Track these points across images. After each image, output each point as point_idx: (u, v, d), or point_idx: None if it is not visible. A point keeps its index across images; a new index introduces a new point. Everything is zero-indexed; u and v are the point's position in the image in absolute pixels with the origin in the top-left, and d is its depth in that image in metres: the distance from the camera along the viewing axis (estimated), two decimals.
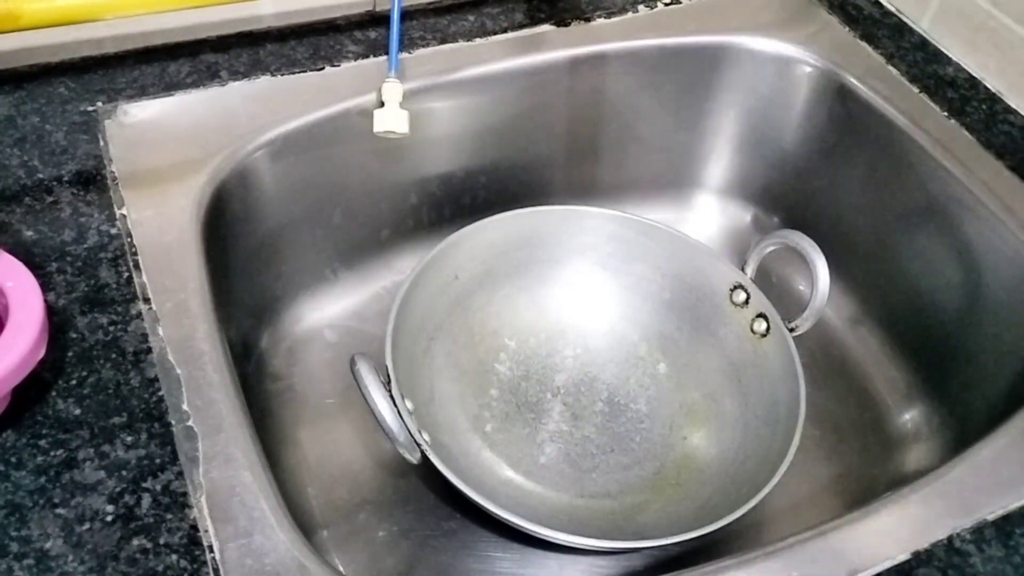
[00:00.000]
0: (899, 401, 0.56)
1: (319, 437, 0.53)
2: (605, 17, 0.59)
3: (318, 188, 0.54)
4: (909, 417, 0.55)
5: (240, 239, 0.50)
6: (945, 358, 0.54)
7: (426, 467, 0.42)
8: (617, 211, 0.55)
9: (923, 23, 0.61)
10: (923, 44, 0.60)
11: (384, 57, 0.54)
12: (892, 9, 0.63)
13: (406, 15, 0.57)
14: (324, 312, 0.58)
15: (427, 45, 0.56)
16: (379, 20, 0.57)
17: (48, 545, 0.33)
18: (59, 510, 0.34)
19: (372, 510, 0.50)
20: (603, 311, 0.57)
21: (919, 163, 0.54)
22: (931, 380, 0.55)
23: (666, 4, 0.61)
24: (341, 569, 0.47)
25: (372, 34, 0.56)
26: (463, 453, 0.49)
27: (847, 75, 0.57)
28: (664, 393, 0.54)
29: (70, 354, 0.39)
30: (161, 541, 0.33)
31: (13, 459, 0.35)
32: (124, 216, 0.44)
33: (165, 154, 0.47)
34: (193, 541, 0.33)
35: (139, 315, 0.40)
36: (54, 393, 0.37)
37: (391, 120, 0.49)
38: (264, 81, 0.52)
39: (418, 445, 0.42)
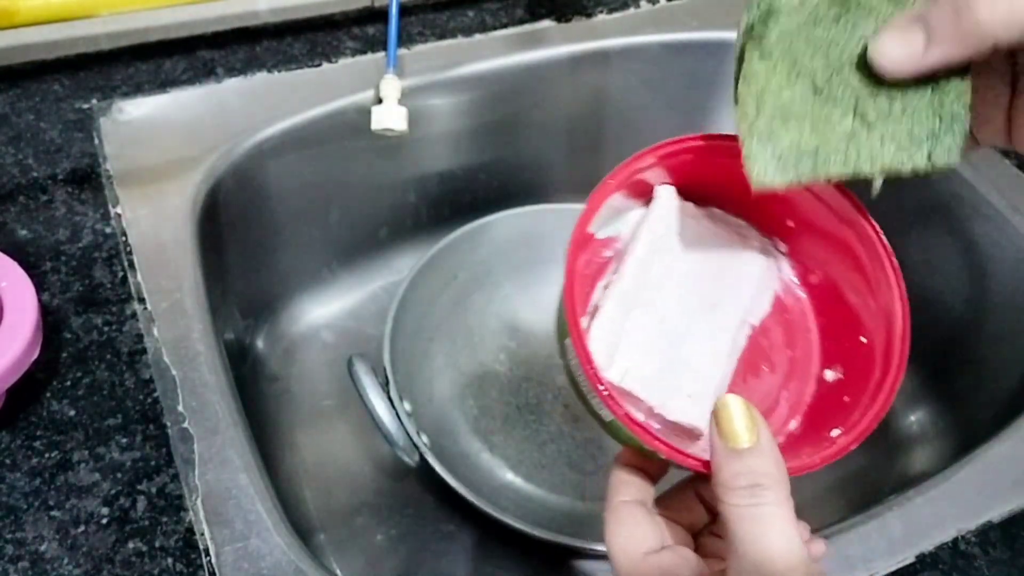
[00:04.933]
0: (904, 402, 0.56)
1: (316, 439, 0.52)
2: (606, 13, 0.59)
3: (315, 186, 0.53)
4: (915, 419, 0.55)
5: (236, 238, 0.50)
6: (951, 359, 0.53)
7: (425, 470, 0.42)
8: None
9: None
10: None
11: (382, 53, 0.53)
12: None
13: (405, 10, 0.57)
14: (321, 312, 0.58)
15: (426, 41, 0.55)
16: (377, 15, 0.57)
17: (43, 548, 0.33)
18: (54, 512, 0.34)
19: (370, 513, 0.49)
20: None
21: None
22: (937, 382, 0.55)
23: None
24: (338, 573, 0.47)
25: (370, 30, 0.56)
26: (462, 456, 0.49)
27: None
28: None
29: (64, 355, 0.38)
30: (157, 544, 0.33)
31: (7, 461, 0.35)
32: (119, 215, 0.44)
33: (160, 152, 0.47)
34: (189, 544, 0.33)
35: (134, 315, 0.40)
36: (48, 394, 0.37)
37: (389, 117, 0.49)
38: (260, 78, 0.52)
39: (416, 447, 0.42)
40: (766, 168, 0.23)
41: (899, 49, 0.21)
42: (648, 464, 0.26)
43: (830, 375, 0.28)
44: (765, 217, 0.29)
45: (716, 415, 0.22)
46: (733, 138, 0.25)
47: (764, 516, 0.21)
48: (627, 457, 0.26)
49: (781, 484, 0.22)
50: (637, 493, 0.25)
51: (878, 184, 0.23)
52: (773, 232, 0.29)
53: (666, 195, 0.28)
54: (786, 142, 0.23)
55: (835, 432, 0.25)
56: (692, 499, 0.27)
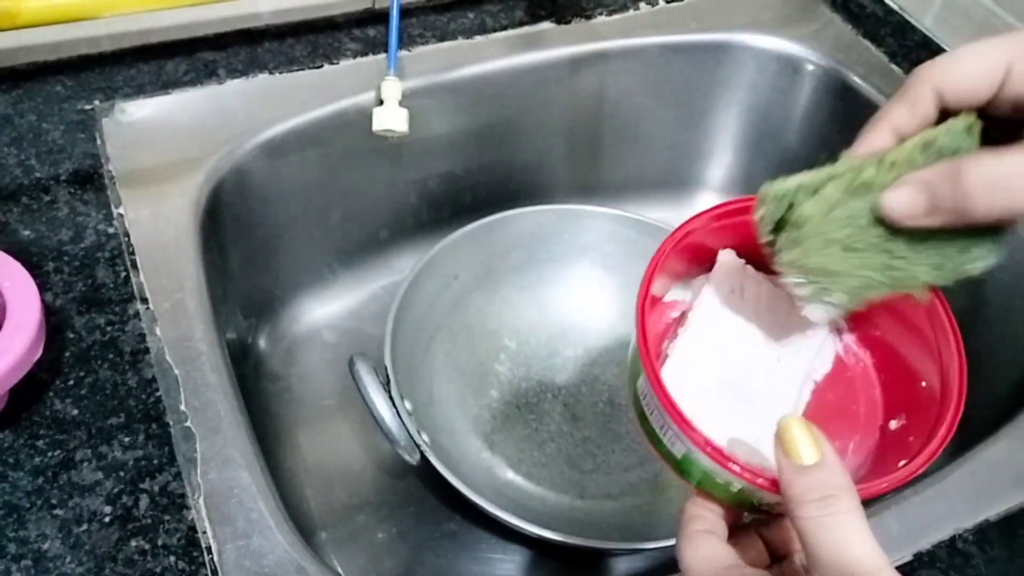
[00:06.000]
0: None
1: (318, 438, 0.52)
2: (606, 14, 0.59)
3: (316, 187, 0.53)
4: None
5: (238, 238, 0.50)
6: None
7: (425, 468, 0.42)
8: (618, 210, 0.55)
9: (926, 21, 0.61)
10: (926, 42, 0.60)
11: (383, 55, 0.53)
12: (895, 7, 0.62)
13: (405, 12, 0.57)
14: (323, 312, 0.58)
15: (427, 43, 0.55)
16: (378, 17, 0.57)
17: (46, 546, 0.33)
18: (57, 511, 0.34)
19: (371, 512, 0.49)
20: (604, 311, 0.56)
21: None
22: None
23: (667, 1, 0.60)
24: (340, 571, 0.47)
25: (371, 32, 0.56)
26: (463, 454, 0.49)
27: (850, 73, 0.57)
28: None
29: (67, 354, 0.39)
30: (159, 542, 0.33)
31: (11, 460, 0.35)
32: (121, 215, 0.44)
33: (162, 153, 0.47)
34: (191, 542, 0.33)
35: (136, 315, 0.40)
36: (51, 393, 0.37)
37: (390, 118, 0.49)
38: (262, 79, 0.52)
39: (417, 446, 0.42)
40: (823, 314, 0.26)
41: (905, 207, 0.24)
42: (720, 505, 0.27)
43: (894, 424, 0.29)
44: None
45: (779, 436, 0.23)
46: None
47: (842, 524, 0.22)
48: (699, 497, 0.27)
49: (851, 493, 0.23)
50: (710, 525, 0.26)
51: (924, 296, 0.26)
52: None
53: (727, 258, 0.30)
54: (834, 296, 0.25)
55: (901, 463, 0.26)
56: (753, 538, 0.27)
